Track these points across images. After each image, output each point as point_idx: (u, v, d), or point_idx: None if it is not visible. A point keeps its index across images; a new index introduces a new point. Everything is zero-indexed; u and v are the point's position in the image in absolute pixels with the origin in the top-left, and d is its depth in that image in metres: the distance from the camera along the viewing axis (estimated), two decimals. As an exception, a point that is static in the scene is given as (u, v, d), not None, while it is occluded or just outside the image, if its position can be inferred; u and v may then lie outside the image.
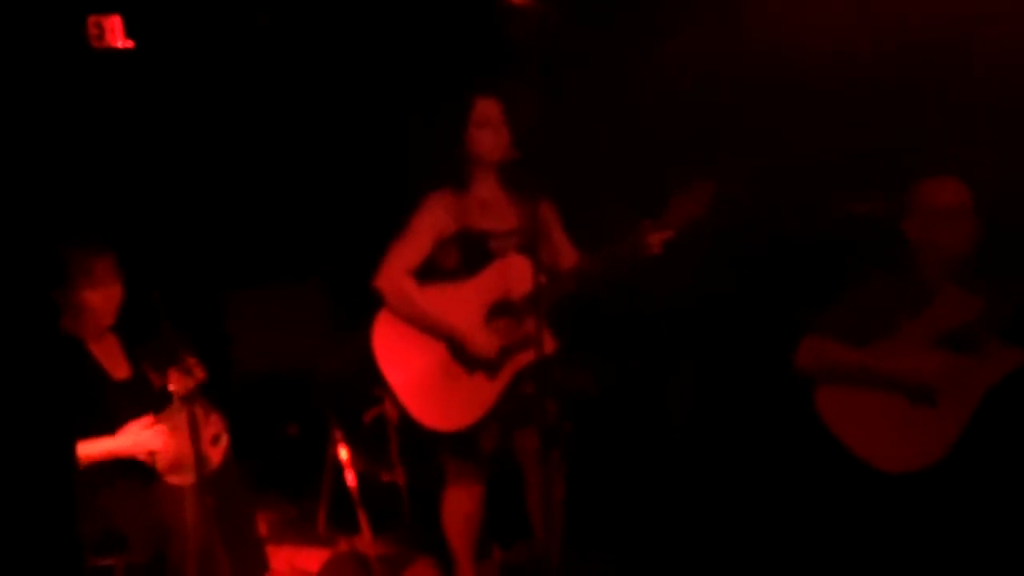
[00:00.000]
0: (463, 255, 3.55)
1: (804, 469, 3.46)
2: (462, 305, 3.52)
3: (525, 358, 3.47)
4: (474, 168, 3.55)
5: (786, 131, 4.10)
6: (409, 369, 3.53)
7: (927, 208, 3.26)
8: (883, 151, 3.94)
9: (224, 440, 3.45)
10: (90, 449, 3.17)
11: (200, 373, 3.27)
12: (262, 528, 4.00)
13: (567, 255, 3.60)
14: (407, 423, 3.56)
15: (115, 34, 4.19)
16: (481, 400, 3.50)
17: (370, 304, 3.58)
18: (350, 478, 4.20)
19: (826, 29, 3.92)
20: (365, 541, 4.13)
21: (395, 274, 3.52)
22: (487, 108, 3.51)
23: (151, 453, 3.26)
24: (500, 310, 3.52)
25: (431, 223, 3.54)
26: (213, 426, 3.41)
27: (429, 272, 3.55)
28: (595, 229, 3.61)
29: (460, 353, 3.52)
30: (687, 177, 3.38)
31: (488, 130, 3.50)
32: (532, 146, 3.50)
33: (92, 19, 4.17)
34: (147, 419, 3.28)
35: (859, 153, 4.01)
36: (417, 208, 3.56)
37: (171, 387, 3.23)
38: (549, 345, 3.44)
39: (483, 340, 3.48)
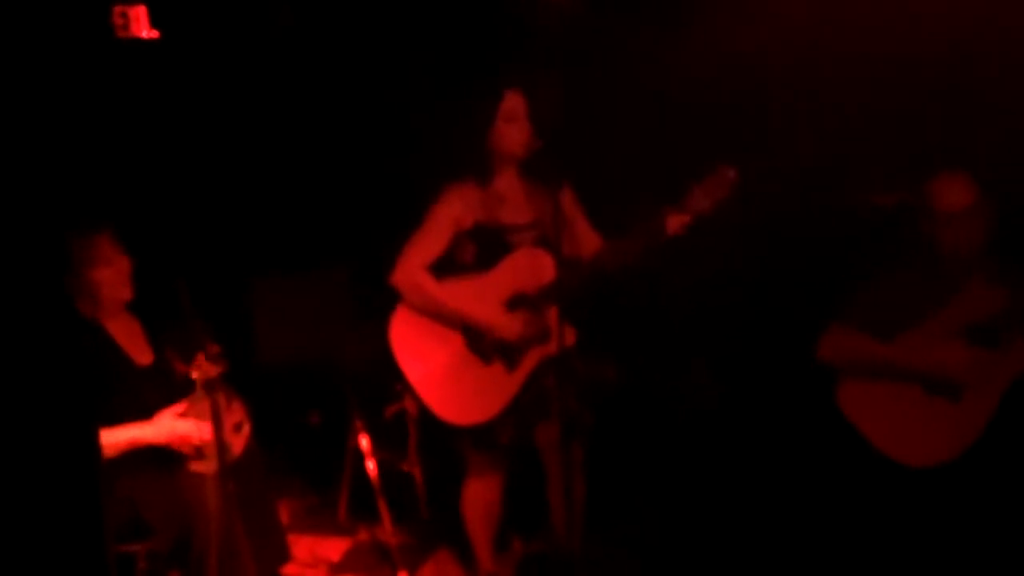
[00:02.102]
0: (481, 249, 3.54)
1: (825, 463, 3.45)
2: (480, 298, 3.51)
3: (544, 351, 3.47)
4: (495, 162, 3.54)
5: (809, 123, 4.08)
6: (427, 364, 3.53)
7: (933, 209, 3.24)
8: (908, 144, 3.91)
9: (246, 428, 3.46)
10: (125, 435, 3.20)
11: (222, 361, 3.28)
12: (283, 516, 4.02)
13: (589, 242, 3.58)
14: (427, 418, 3.57)
15: (140, 24, 4.20)
16: (500, 394, 3.50)
17: (393, 292, 3.59)
18: (371, 467, 4.22)
19: (849, 22, 3.90)
20: (386, 530, 4.14)
21: (412, 269, 3.51)
22: (514, 102, 3.49)
23: (188, 443, 3.28)
24: (518, 302, 3.51)
25: (448, 217, 3.53)
26: (235, 414, 3.43)
27: (446, 267, 3.55)
28: (617, 217, 3.60)
29: (478, 346, 3.52)
30: (710, 164, 3.37)
31: (515, 124, 3.48)
32: (552, 135, 3.48)
33: (117, 9, 4.18)
34: (181, 406, 3.30)
35: (884, 146, 3.98)
36: (434, 202, 3.55)
37: (194, 375, 3.25)
38: (569, 337, 3.44)
39: (506, 323, 3.48)
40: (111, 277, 3.34)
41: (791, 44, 3.97)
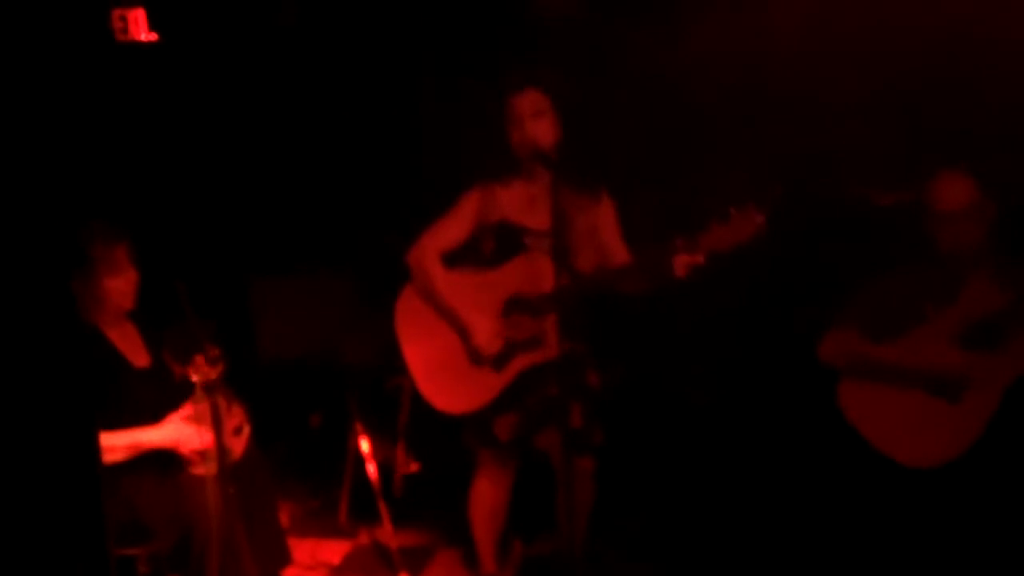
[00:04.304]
0: (498, 246, 3.56)
1: (826, 464, 3.45)
2: (481, 293, 3.53)
3: (535, 356, 3.46)
4: (524, 161, 3.52)
5: (810, 123, 4.07)
6: (423, 345, 3.57)
7: (932, 208, 3.24)
8: (908, 143, 3.92)
9: (246, 431, 3.46)
10: (129, 439, 3.20)
11: (221, 363, 3.27)
12: (284, 519, 4.01)
13: (617, 256, 3.54)
14: (420, 397, 3.61)
15: (139, 27, 4.21)
16: (484, 390, 3.50)
17: (394, 293, 3.60)
18: (371, 470, 4.21)
19: (851, 20, 3.90)
20: (386, 532, 4.14)
21: (425, 253, 3.56)
22: (525, 101, 3.48)
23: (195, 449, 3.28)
24: (516, 304, 3.51)
25: (471, 210, 3.57)
26: (235, 417, 3.43)
27: (465, 257, 3.58)
28: (631, 230, 3.60)
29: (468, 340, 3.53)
30: (739, 198, 3.16)
31: (531, 123, 3.46)
32: (583, 141, 3.48)
33: (116, 12, 4.19)
34: (187, 409, 3.30)
35: (884, 145, 3.98)
36: (462, 194, 3.58)
37: (193, 377, 3.24)
38: (566, 346, 3.44)
39: (485, 338, 3.48)
40: (120, 287, 3.36)
41: (791, 43, 3.97)
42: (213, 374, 3.23)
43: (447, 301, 3.53)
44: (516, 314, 3.50)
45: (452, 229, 3.57)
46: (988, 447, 3.13)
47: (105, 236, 3.33)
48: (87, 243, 3.29)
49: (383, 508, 4.15)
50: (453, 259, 3.58)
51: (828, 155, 4.06)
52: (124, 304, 3.40)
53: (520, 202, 3.54)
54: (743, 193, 3.17)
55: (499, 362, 3.50)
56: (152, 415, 3.30)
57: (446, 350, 3.54)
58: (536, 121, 3.46)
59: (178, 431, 3.28)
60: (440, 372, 3.54)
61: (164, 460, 3.28)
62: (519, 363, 3.48)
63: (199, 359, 3.23)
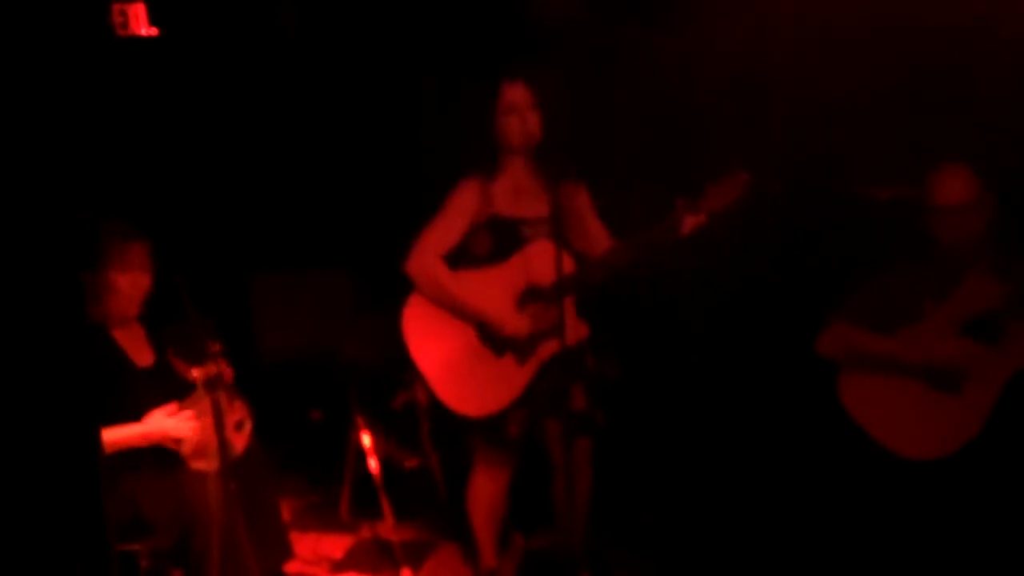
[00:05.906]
0: (495, 241, 3.53)
1: (826, 456, 3.45)
2: (493, 290, 3.51)
3: (554, 346, 3.45)
4: (506, 154, 3.53)
5: (810, 117, 4.07)
6: (439, 354, 3.52)
7: (932, 203, 3.24)
8: (908, 136, 3.91)
9: (248, 426, 3.47)
10: (115, 435, 3.20)
11: (224, 364, 3.27)
12: (285, 514, 4.02)
13: (600, 240, 3.57)
14: (437, 407, 3.57)
15: (139, 22, 4.20)
16: (511, 386, 3.49)
17: (395, 289, 3.58)
18: (373, 464, 4.22)
19: (852, 15, 3.90)
20: (388, 527, 4.15)
21: (426, 258, 3.51)
22: (514, 93, 3.48)
23: (177, 440, 3.29)
24: (531, 296, 3.50)
25: (463, 208, 3.52)
26: (237, 412, 3.43)
27: (461, 258, 3.55)
28: (624, 215, 3.60)
29: (490, 338, 3.51)
30: (725, 165, 3.33)
31: (516, 116, 3.46)
32: (563, 131, 3.48)
33: (116, 7, 4.18)
34: (171, 406, 3.31)
35: (884, 139, 3.98)
36: (450, 193, 3.55)
37: (195, 373, 3.25)
38: (582, 331, 3.44)
39: (514, 322, 3.47)
40: (129, 288, 3.37)
41: (792, 38, 3.97)
42: (214, 370, 3.23)
43: (463, 301, 3.49)
44: (532, 306, 3.50)
45: (447, 231, 3.52)
46: (988, 440, 3.13)
47: (123, 233, 3.34)
48: (104, 237, 3.29)
49: (385, 503, 4.15)
50: (450, 261, 3.54)
51: (827, 150, 4.06)
52: (130, 307, 3.41)
53: (508, 195, 3.52)
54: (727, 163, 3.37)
55: (522, 355, 3.49)
56: (153, 414, 3.32)
57: (464, 353, 3.51)
58: (521, 113, 3.46)
59: (159, 426, 3.28)
60: (461, 377, 3.50)
61: (165, 456, 3.29)
62: (540, 355, 3.48)
63: (200, 355, 3.24)
